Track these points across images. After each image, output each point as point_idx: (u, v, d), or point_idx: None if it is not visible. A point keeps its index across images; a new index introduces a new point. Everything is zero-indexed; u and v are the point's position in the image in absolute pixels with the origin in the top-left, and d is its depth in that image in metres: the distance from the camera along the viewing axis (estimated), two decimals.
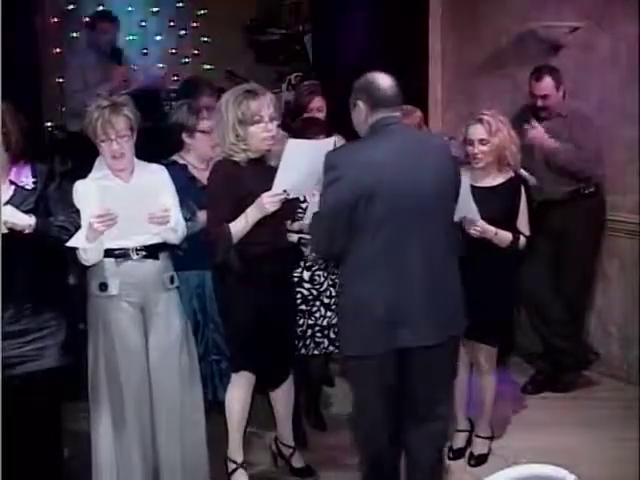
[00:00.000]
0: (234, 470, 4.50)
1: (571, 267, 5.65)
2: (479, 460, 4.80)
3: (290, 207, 4.27)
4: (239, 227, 4.07)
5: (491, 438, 4.88)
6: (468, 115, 4.74)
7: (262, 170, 4.13)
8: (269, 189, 4.03)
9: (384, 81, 3.77)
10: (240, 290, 4.20)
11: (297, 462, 4.67)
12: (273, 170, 4.05)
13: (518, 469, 2.53)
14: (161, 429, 4.18)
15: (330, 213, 3.64)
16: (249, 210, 4.06)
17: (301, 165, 3.95)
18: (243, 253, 4.11)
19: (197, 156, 4.75)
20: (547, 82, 5.43)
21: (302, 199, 4.47)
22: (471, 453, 4.85)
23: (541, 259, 5.62)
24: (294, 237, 4.51)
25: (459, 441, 4.92)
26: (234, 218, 4.08)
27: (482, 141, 4.47)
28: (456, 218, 4.11)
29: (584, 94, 5.75)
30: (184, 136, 4.76)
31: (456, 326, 3.90)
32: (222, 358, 4.77)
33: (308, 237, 4.21)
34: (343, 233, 3.64)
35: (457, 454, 4.89)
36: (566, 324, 5.69)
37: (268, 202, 4.02)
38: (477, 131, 4.49)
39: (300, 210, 4.52)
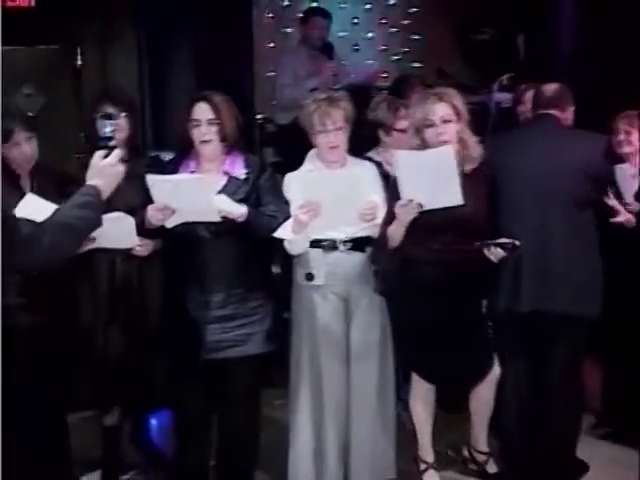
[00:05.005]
0: (425, 470, 4.51)
1: None
2: None
3: (465, 219, 4.06)
4: (392, 232, 4.04)
5: None
6: None
7: None
8: None
9: (546, 86, 4.45)
10: (404, 297, 4.19)
11: (491, 468, 4.60)
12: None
13: None
14: (355, 419, 4.22)
15: None
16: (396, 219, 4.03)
17: (420, 174, 3.89)
18: (415, 261, 4.10)
19: (392, 154, 4.71)
20: None
21: None
22: None
23: None
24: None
25: None
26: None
27: None
28: None
29: None
30: (381, 133, 4.76)
31: (565, 304, 4.22)
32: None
33: None
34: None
35: None
36: None
37: (399, 212, 3.97)
38: None
39: None
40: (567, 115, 4.46)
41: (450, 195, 3.94)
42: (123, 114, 4.15)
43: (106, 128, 3.27)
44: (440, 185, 3.93)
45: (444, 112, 4.08)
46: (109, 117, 3.47)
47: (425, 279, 4.12)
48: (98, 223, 3.03)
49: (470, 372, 4.40)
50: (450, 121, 4.09)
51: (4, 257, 2.78)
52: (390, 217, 4.06)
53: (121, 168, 3.13)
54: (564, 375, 4.39)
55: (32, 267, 2.93)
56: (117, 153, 3.14)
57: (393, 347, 4.33)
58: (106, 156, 3.11)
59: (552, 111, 4.40)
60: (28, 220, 2.91)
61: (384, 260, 4.14)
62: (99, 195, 3.03)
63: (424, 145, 4.10)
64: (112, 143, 3.18)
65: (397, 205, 3.96)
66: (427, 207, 3.96)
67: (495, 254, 4.05)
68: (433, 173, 3.90)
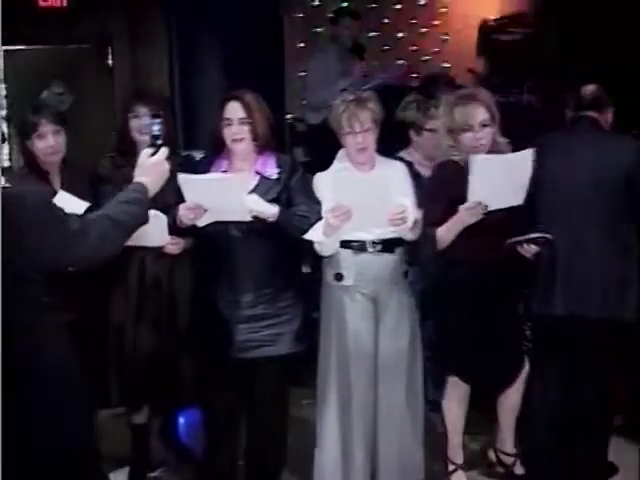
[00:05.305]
0: (454, 471, 4.52)
1: None
2: None
3: (506, 220, 4.05)
4: (443, 234, 4.04)
5: None
6: None
7: None
8: None
9: (585, 87, 4.38)
10: (448, 299, 4.22)
11: (518, 469, 4.58)
12: None
13: None
14: (383, 421, 4.20)
15: None
16: (451, 220, 4.01)
17: (495, 178, 3.87)
18: (457, 262, 4.09)
19: (423, 154, 4.74)
20: None
21: None
22: None
23: None
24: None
25: None
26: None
27: None
28: None
29: None
30: (411, 133, 4.77)
31: (591, 308, 4.18)
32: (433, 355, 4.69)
33: None
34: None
35: None
36: None
37: (465, 214, 3.96)
38: None
39: None
40: (606, 117, 4.43)
41: (514, 196, 3.99)
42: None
43: (154, 127, 3.32)
44: (510, 187, 3.96)
45: (483, 117, 4.08)
46: (157, 116, 3.49)
47: (466, 280, 4.13)
48: (145, 220, 3.07)
49: (507, 372, 4.41)
50: (487, 125, 4.09)
51: (49, 254, 2.81)
52: (433, 217, 4.05)
53: (167, 166, 3.18)
54: (597, 378, 4.37)
55: (77, 263, 2.94)
56: (164, 151, 3.18)
57: (424, 348, 4.32)
58: (153, 154, 3.16)
59: (591, 113, 4.37)
60: (78, 216, 2.94)
61: (426, 261, 4.15)
62: (146, 192, 3.08)
63: (457, 147, 4.09)
64: (159, 142, 3.24)
65: (462, 208, 3.96)
66: (490, 208, 3.97)
67: (528, 250, 4.07)
68: (508, 176, 3.92)
